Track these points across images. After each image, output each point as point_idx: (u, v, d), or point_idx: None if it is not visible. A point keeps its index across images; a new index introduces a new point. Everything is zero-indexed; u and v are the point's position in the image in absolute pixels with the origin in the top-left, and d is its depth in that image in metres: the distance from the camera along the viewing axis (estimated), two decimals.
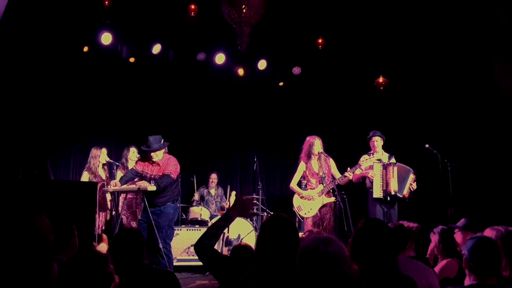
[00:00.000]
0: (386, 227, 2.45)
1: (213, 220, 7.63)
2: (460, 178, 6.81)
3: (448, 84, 8.05)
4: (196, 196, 8.28)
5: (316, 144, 6.30)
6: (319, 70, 9.01)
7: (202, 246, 2.61)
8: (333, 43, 8.40)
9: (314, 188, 6.26)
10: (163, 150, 6.16)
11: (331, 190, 6.24)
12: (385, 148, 6.66)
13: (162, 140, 6.13)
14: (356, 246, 2.36)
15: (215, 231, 2.69)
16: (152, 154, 6.10)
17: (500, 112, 7.46)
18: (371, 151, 6.53)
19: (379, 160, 6.52)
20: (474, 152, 7.68)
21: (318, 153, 6.27)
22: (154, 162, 6.14)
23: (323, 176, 6.22)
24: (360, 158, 6.29)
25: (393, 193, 6.32)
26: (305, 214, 6.25)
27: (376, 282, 2.23)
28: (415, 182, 6.45)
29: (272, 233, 2.35)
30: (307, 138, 6.39)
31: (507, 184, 7.26)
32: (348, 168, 6.15)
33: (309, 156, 6.31)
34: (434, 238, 4.03)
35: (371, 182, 6.45)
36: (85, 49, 7.55)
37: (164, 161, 6.13)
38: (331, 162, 6.32)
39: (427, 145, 6.70)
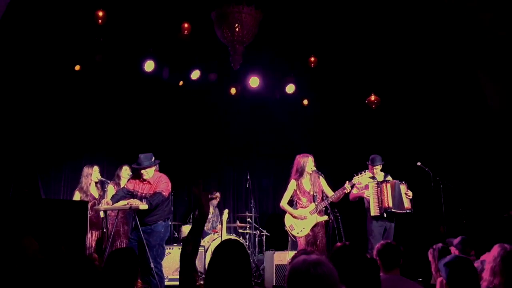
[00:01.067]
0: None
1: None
2: (452, 196, 6.83)
3: (439, 102, 8.12)
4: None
5: (309, 162, 6.28)
6: (311, 88, 9.06)
7: (186, 253, 2.69)
8: (325, 61, 8.46)
9: (304, 207, 6.19)
10: (153, 168, 6.10)
11: (323, 209, 6.21)
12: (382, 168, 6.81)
13: (153, 158, 6.08)
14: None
15: (199, 230, 2.81)
16: (142, 171, 6.05)
17: (490, 130, 7.52)
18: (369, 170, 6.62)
19: (373, 178, 6.61)
20: (465, 170, 7.71)
21: (311, 171, 6.26)
22: (145, 180, 6.09)
23: (315, 194, 6.18)
24: (353, 177, 6.29)
25: (388, 209, 6.44)
26: (297, 233, 6.17)
27: None
28: (409, 190, 6.63)
29: (221, 257, 2.40)
30: (297, 157, 6.37)
31: (498, 200, 7.29)
32: (347, 182, 6.12)
33: (301, 174, 6.27)
34: (434, 255, 4.01)
35: (368, 202, 6.61)
36: (77, 67, 7.55)
37: (155, 179, 6.07)
38: (322, 180, 6.30)
39: (419, 163, 6.75)
